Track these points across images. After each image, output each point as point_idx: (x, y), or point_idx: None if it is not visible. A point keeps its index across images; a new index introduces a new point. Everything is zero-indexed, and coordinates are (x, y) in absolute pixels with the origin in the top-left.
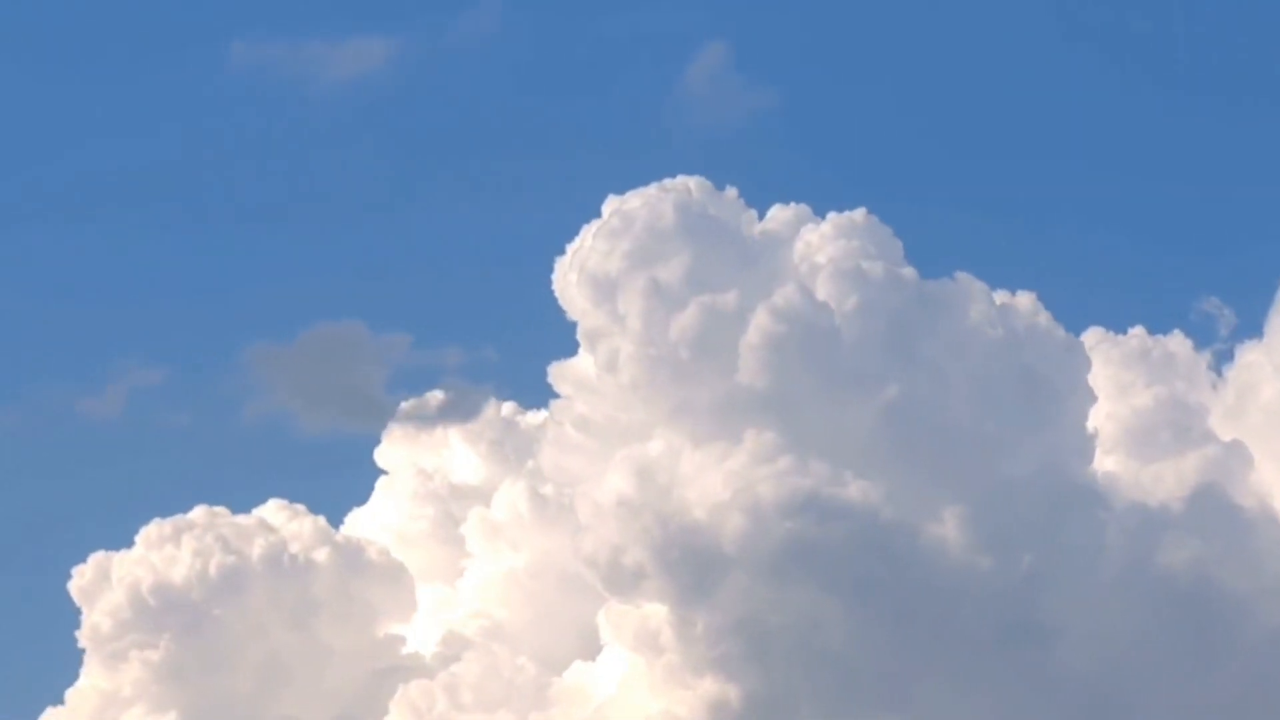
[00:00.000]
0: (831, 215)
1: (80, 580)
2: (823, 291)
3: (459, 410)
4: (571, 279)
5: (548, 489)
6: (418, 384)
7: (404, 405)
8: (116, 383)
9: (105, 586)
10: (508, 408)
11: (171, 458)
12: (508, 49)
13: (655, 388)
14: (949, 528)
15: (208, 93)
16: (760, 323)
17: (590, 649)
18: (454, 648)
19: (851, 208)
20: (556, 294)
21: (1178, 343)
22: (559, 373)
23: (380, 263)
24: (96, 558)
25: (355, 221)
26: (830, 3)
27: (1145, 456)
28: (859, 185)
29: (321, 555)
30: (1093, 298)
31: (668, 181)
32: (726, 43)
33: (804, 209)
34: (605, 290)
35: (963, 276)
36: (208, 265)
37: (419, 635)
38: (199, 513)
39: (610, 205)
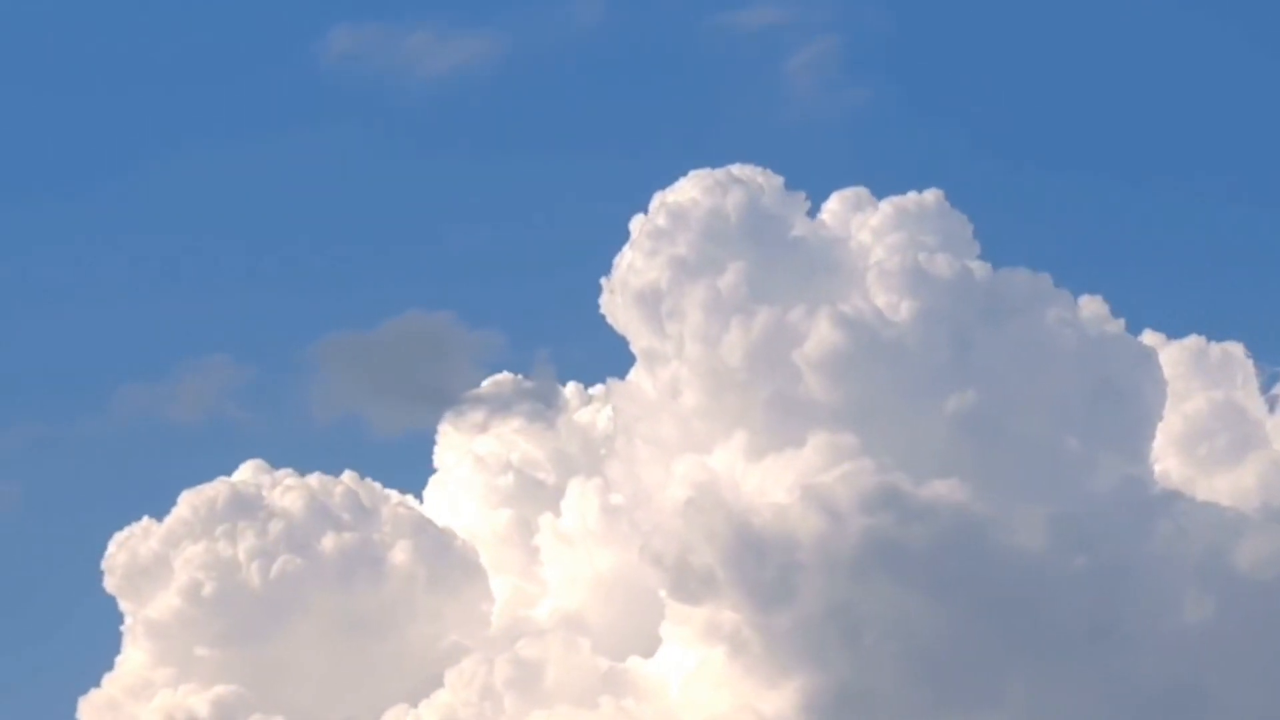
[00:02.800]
0: (895, 198)
1: (114, 579)
2: (889, 289)
3: (533, 407)
4: (618, 300)
5: (616, 498)
6: (504, 381)
7: (473, 395)
8: (195, 378)
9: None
10: (574, 398)
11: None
12: (610, 45)
13: (718, 403)
14: (1032, 530)
15: (304, 79)
16: (824, 329)
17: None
18: (522, 638)
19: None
20: (605, 314)
21: (1232, 349)
22: (620, 390)
23: (472, 259)
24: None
25: (446, 215)
26: (950, 6)
27: (1200, 462)
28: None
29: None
30: (1155, 301)
31: (734, 168)
32: (837, 38)
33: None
34: (655, 306)
35: (1039, 278)
36: (292, 257)
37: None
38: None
39: (656, 201)
